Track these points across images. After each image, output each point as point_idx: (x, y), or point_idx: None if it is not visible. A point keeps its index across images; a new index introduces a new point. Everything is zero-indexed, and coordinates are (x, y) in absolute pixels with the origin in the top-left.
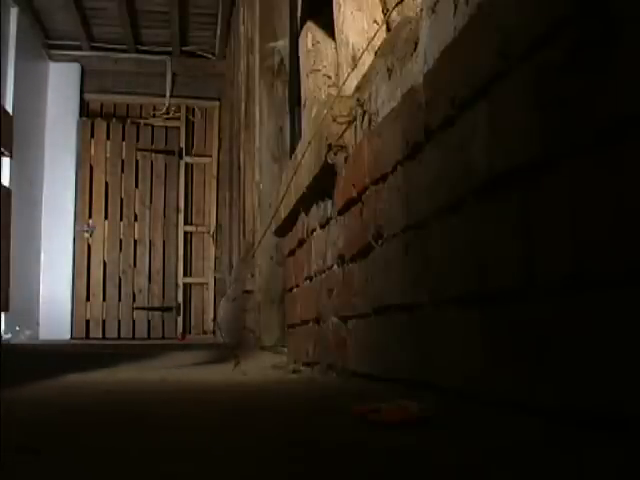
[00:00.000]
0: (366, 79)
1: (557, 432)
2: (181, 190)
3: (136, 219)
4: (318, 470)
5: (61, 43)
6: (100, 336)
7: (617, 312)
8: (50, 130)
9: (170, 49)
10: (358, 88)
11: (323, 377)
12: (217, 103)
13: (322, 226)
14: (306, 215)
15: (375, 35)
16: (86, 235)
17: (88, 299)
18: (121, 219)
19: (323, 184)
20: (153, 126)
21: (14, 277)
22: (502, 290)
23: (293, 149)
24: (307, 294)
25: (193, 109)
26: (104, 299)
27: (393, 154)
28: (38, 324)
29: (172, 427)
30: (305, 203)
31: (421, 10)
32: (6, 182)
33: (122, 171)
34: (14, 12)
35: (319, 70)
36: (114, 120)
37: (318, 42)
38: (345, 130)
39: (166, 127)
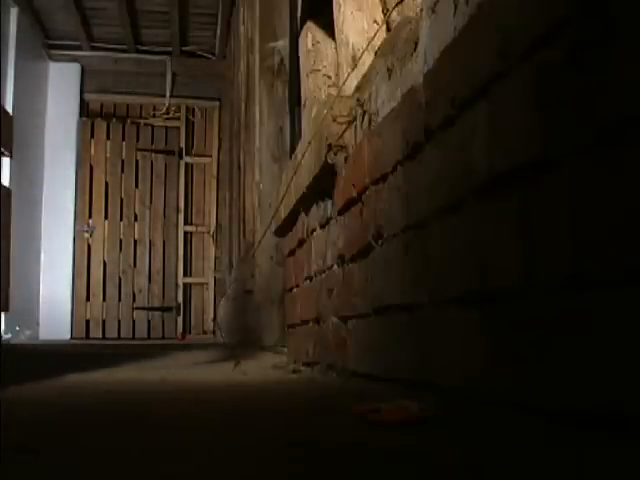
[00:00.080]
0: (366, 79)
1: (557, 432)
2: (181, 190)
3: (136, 219)
4: (318, 470)
5: (61, 43)
6: (100, 336)
7: (617, 312)
8: (50, 130)
9: (170, 49)
10: (358, 88)
11: (323, 377)
12: (217, 103)
13: (322, 226)
14: (306, 215)
15: (375, 35)
16: (86, 235)
17: (88, 299)
18: (121, 219)
19: (323, 184)
20: (153, 126)
21: (14, 277)
22: (502, 290)
23: (293, 149)
24: (307, 294)
25: (193, 109)
26: (104, 299)
27: (393, 154)
28: (38, 324)
29: (172, 427)
30: (305, 203)
31: (421, 10)
32: (6, 182)
33: (122, 171)
34: (14, 12)
35: (319, 70)
36: (114, 120)
37: (318, 42)
38: (345, 130)
39: (166, 127)
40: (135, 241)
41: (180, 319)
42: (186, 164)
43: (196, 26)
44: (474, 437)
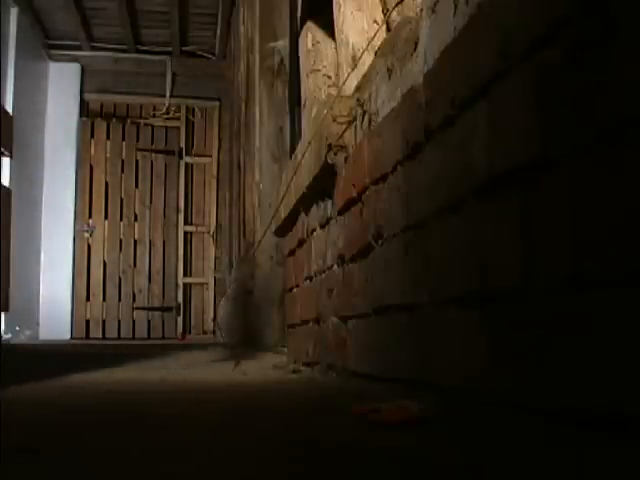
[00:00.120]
0: (366, 79)
1: (557, 432)
2: (181, 190)
3: (136, 219)
4: (318, 470)
5: (61, 43)
6: (100, 336)
7: (617, 312)
8: (50, 130)
9: (170, 49)
10: (358, 88)
11: (323, 377)
12: (217, 103)
13: (322, 226)
14: (306, 215)
15: (375, 35)
16: (86, 235)
17: (88, 299)
18: (121, 219)
19: (323, 184)
20: (153, 126)
21: (14, 277)
22: (502, 290)
23: (293, 149)
24: (307, 294)
25: (193, 109)
26: (104, 299)
27: (393, 154)
28: (38, 324)
29: (172, 427)
30: (305, 203)
31: (421, 10)
32: (6, 182)
33: (122, 171)
34: (14, 12)
35: (319, 70)
36: (114, 120)
37: (318, 42)
38: (345, 130)
39: (166, 127)
40: (135, 241)
41: (180, 319)
42: (186, 164)
43: (196, 26)
44: (474, 437)
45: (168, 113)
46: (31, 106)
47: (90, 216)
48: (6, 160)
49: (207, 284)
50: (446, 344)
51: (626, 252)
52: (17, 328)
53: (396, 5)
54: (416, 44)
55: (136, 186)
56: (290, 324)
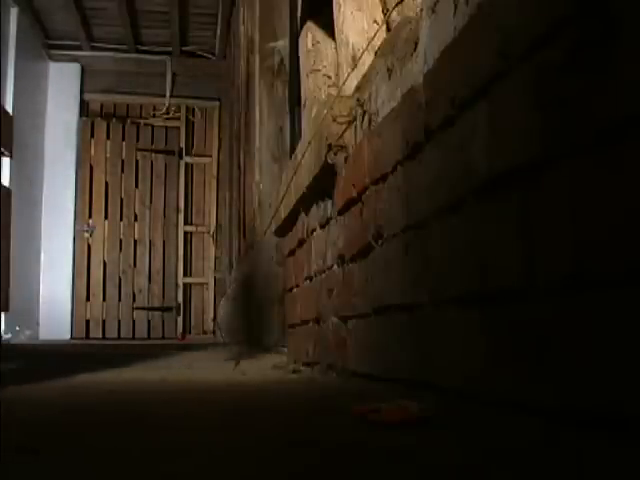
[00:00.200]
0: (366, 79)
1: (557, 432)
2: (181, 190)
3: (136, 219)
4: (318, 470)
5: (61, 43)
6: (100, 336)
7: (617, 312)
8: (50, 130)
9: (170, 49)
10: (358, 88)
11: (323, 377)
12: (217, 103)
13: (322, 226)
14: (306, 215)
15: (375, 35)
16: (86, 235)
17: (88, 299)
18: (121, 219)
19: (323, 184)
20: (153, 126)
21: (14, 277)
22: (502, 290)
23: (293, 149)
24: (307, 294)
25: (193, 109)
26: (104, 299)
27: (393, 154)
28: (38, 324)
29: (173, 427)
30: (305, 203)
31: (421, 10)
32: (6, 182)
33: (122, 171)
34: (14, 12)
35: (319, 70)
36: (114, 120)
37: (318, 42)
38: (345, 130)
39: (166, 127)
40: (135, 241)
41: (180, 319)
42: (186, 164)
43: (196, 26)
44: (474, 437)
45: (168, 113)
46: (31, 106)
47: (90, 216)
48: (6, 160)
49: (207, 284)
50: (446, 344)
51: (626, 252)
52: (17, 328)
53: (396, 5)
54: (416, 44)
55: (136, 186)
56: (290, 324)
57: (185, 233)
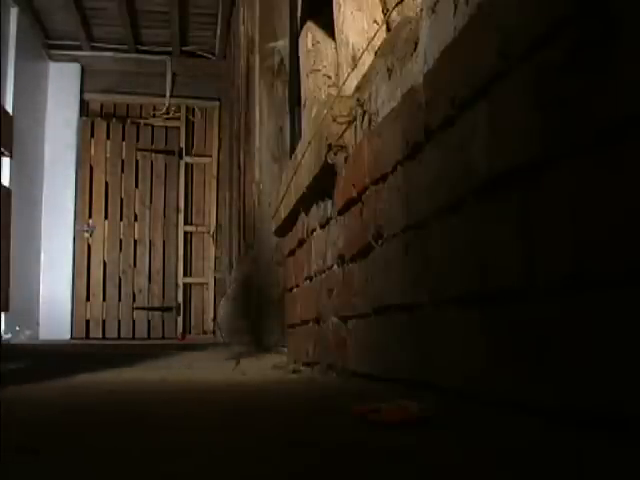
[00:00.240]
0: (366, 79)
1: (557, 432)
2: (181, 190)
3: (136, 219)
4: (318, 470)
5: (61, 43)
6: (100, 336)
7: (617, 312)
8: (50, 130)
9: (170, 49)
10: (358, 88)
11: (323, 377)
12: (217, 103)
13: (322, 226)
14: (306, 215)
15: (375, 35)
16: (86, 235)
17: (88, 299)
18: (121, 219)
19: (323, 184)
20: (153, 126)
21: (14, 277)
22: (502, 290)
23: (293, 149)
24: (307, 294)
25: (193, 109)
26: (104, 299)
27: (393, 154)
28: (38, 324)
29: (173, 427)
30: (305, 203)
31: (421, 10)
32: (6, 182)
33: (122, 171)
34: (14, 12)
35: (319, 70)
36: (114, 120)
37: (318, 42)
38: (345, 130)
39: (166, 127)
40: (135, 241)
41: (180, 319)
42: (186, 164)
43: (196, 26)
44: (474, 437)
45: (168, 113)
46: (31, 106)
47: (90, 216)
48: (6, 160)
49: (207, 284)
50: (446, 344)
51: (626, 252)
52: (17, 328)
53: (396, 5)
54: (416, 44)
55: (136, 186)
56: (290, 324)
57: (185, 233)
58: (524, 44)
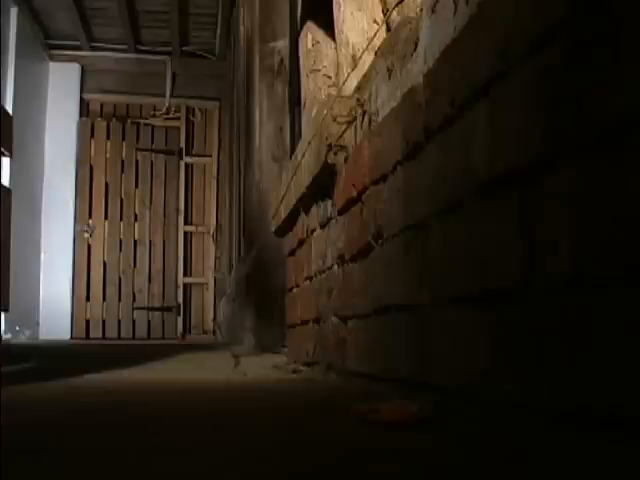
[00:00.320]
0: (366, 79)
1: (558, 432)
2: (181, 190)
3: (136, 219)
4: (318, 470)
5: (61, 43)
6: (100, 336)
7: (617, 312)
8: (50, 130)
9: (170, 49)
10: (358, 88)
11: (323, 377)
12: (217, 103)
13: (322, 226)
14: (306, 215)
15: (375, 35)
16: (86, 235)
17: (88, 299)
18: (121, 219)
19: (323, 184)
20: (153, 126)
21: (14, 277)
22: (502, 290)
23: (293, 149)
24: (307, 294)
25: (193, 109)
26: (104, 299)
27: (393, 154)
28: (38, 324)
29: (173, 427)
30: (305, 203)
31: (421, 10)
32: (6, 182)
33: (122, 171)
34: (14, 12)
35: (319, 70)
36: (114, 120)
37: (318, 42)
38: (345, 130)
39: (166, 127)
40: (135, 241)
41: (180, 319)
42: (186, 164)
43: (196, 26)
44: (474, 437)
45: (168, 113)
46: (31, 106)
47: (90, 216)
48: (6, 160)
49: (207, 284)
50: (446, 344)
51: (626, 252)
52: (17, 328)
53: (396, 5)
54: (416, 44)
55: (136, 186)
56: (290, 324)
57: (185, 233)
58: (524, 44)
